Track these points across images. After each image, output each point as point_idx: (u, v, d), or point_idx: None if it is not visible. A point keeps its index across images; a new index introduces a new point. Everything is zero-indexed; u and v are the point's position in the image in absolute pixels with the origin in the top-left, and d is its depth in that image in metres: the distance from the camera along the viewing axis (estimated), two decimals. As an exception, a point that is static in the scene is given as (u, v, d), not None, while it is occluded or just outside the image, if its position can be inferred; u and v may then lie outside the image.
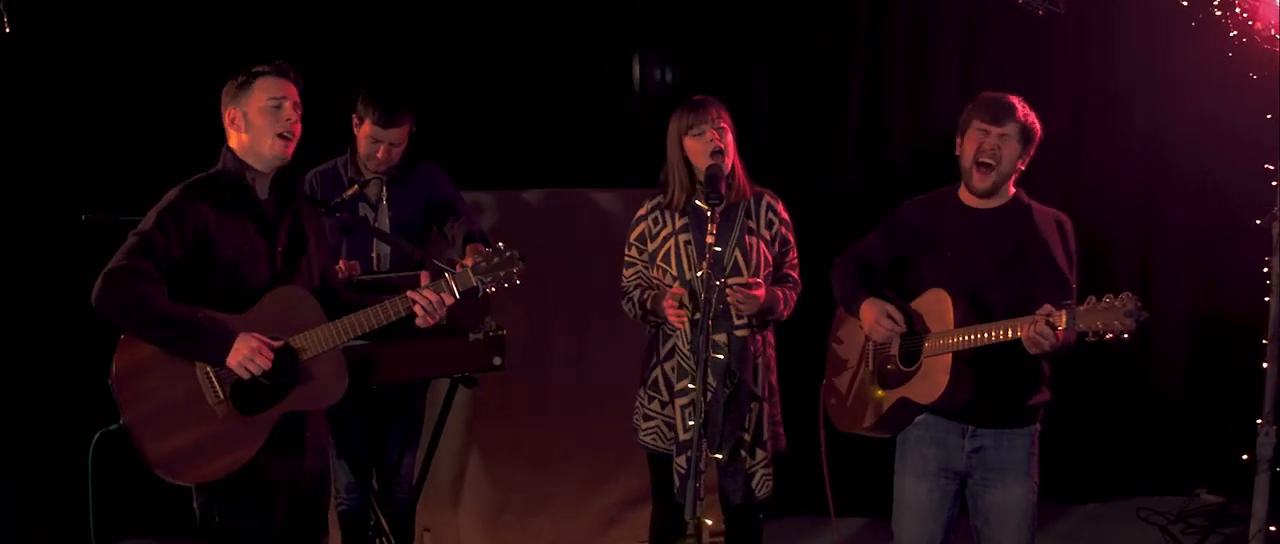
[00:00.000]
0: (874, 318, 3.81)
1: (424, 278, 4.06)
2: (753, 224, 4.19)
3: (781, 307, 4.19)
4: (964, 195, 3.84)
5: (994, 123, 3.69)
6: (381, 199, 4.57)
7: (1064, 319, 3.43)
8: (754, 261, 4.18)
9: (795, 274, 4.30)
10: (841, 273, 4.00)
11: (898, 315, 3.78)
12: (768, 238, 4.21)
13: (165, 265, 3.44)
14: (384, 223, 4.54)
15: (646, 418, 4.28)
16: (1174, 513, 5.79)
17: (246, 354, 3.45)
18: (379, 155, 4.52)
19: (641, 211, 4.29)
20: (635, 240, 4.30)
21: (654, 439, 4.26)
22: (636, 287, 4.28)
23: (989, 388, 3.70)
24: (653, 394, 4.25)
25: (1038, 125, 3.76)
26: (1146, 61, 5.86)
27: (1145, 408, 6.10)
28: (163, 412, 3.45)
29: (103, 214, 4.08)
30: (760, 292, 4.08)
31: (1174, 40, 5.68)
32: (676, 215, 4.20)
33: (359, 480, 4.63)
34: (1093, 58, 5.92)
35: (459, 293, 3.68)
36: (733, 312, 4.06)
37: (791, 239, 4.28)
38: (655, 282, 4.24)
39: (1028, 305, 3.56)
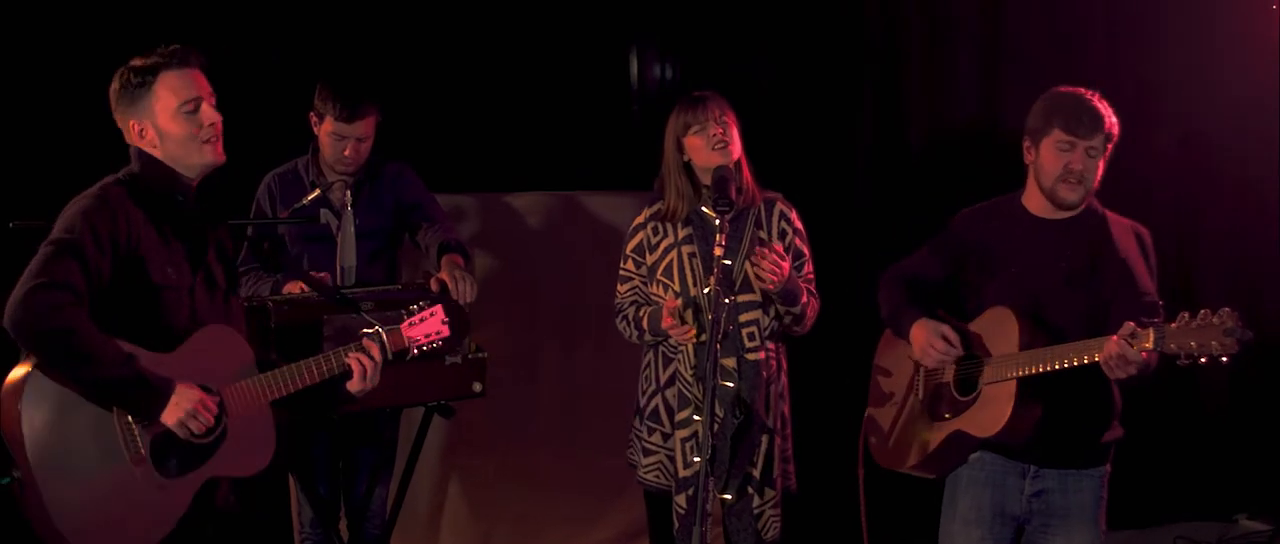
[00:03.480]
0: (925, 340, 3.45)
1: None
2: (764, 234, 3.85)
3: (804, 299, 3.83)
4: (1029, 203, 3.50)
5: (1081, 136, 3.34)
6: (346, 204, 4.21)
7: (1151, 338, 3.07)
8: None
9: (812, 288, 3.94)
10: (889, 290, 3.65)
11: (954, 337, 3.43)
12: (780, 249, 3.84)
13: (96, 284, 2.89)
14: (349, 229, 4.18)
15: (647, 453, 3.91)
16: (1213, 541, 5.51)
17: (188, 409, 2.93)
18: (347, 153, 4.19)
19: (639, 219, 3.94)
20: (632, 252, 3.94)
21: (657, 477, 3.90)
22: (632, 303, 3.93)
23: (1056, 421, 3.36)
24: (653, 426, 3.88)
25: (1118, 126, 3.42)
26: (1186, 48, 5.53)
27: (1184, 426, 5.78)
28: (68, 467, 2.91)
29: (34, 221, 3.55)
30: (786, 264, 3.73)
31: (1217, 25, 5.38)
32: (679, 225, 3.85)
33: (322, 516, 4.27)
34: (1125, 47, 5.59)
35: (388, 355, 3.26)
36: (755, 280, 3.73)
37: (806, 251, 3.93)
38: (654, 297, 3.88)
39: (1103, 326, 3.22)
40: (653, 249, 3.87)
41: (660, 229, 3.86)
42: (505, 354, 4.99)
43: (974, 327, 3.45)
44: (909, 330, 3.50)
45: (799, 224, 3.92)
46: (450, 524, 5.23)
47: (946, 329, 3.42)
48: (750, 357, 3.77)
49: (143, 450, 2.96)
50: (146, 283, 2.99)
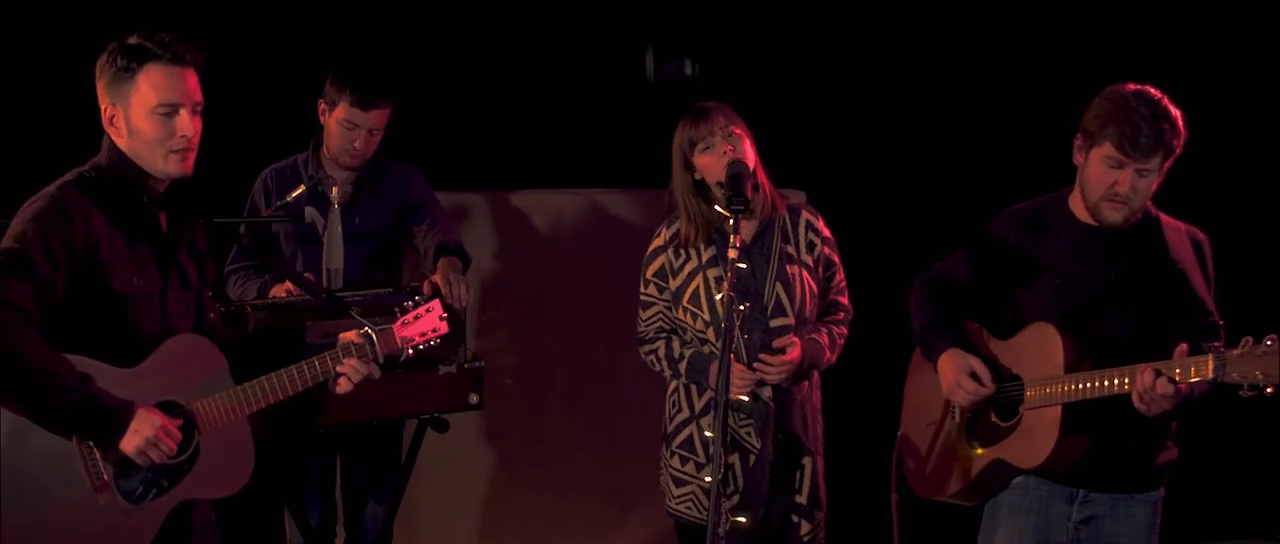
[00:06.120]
0: (953, 377, 3.23)
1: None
2: (792, 249, 3.62)
3: (828, 355, 3.65)
4: (1076, 207, 3.24)
5: (1133, 156, 3.04)
6: (333, 202, 4.04)
7: (1212, 366, 2.81)
8: (799, 297, 3.60)
9: (844, 299, 3.73)
10: (921, 302, 3.42)
11: (985, 374, 3.19)
12: (810, 263, 3.64)
13: (48, 299, 2.70)
14: (336, 229, 4.02)
15: (679, 483, 3.68)
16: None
17: (149, 436, 2.74)
18: (357, 144, 4.05)
19: (659, 241, 3.70)
20: (653, 277, 3.70)
21: (690, 508, 3.68)
22: (660, 334, 3.71)
23: (1107, 443, 3.12)
24: (686, 455, 3.66)
25: (1183, 135, 3.09)
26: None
27: (1229, 439, 5.33)
28: (24, 497, 2.71)
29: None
30: (794, 352, 3.53)
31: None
32: (701, 247, 3.61)
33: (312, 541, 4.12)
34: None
35: (380, 358, 3.06)
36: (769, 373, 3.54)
37: (836, 260, 3.71)
38: (679, 323, 3.68)
39: (1157, 345, 2.97)
40: (676, 273, 3.65)
41: (682, 252, 3.65)
42: (514, 360, 4.98)
43: (1014, 342, 3.22)
44: (938, 360, 3.28)
45: (827, 231, 3.71)
46: (458, 538, 5.11)
47: (976, 364, 3.20)
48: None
49: (105, 476, 2.78)
50: (107, 293, 2.79)
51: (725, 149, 3.51)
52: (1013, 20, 5.31)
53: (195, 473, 2.87)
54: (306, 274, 3.87)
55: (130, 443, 2.73)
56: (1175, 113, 3.05)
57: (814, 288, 3.63)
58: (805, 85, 5.27)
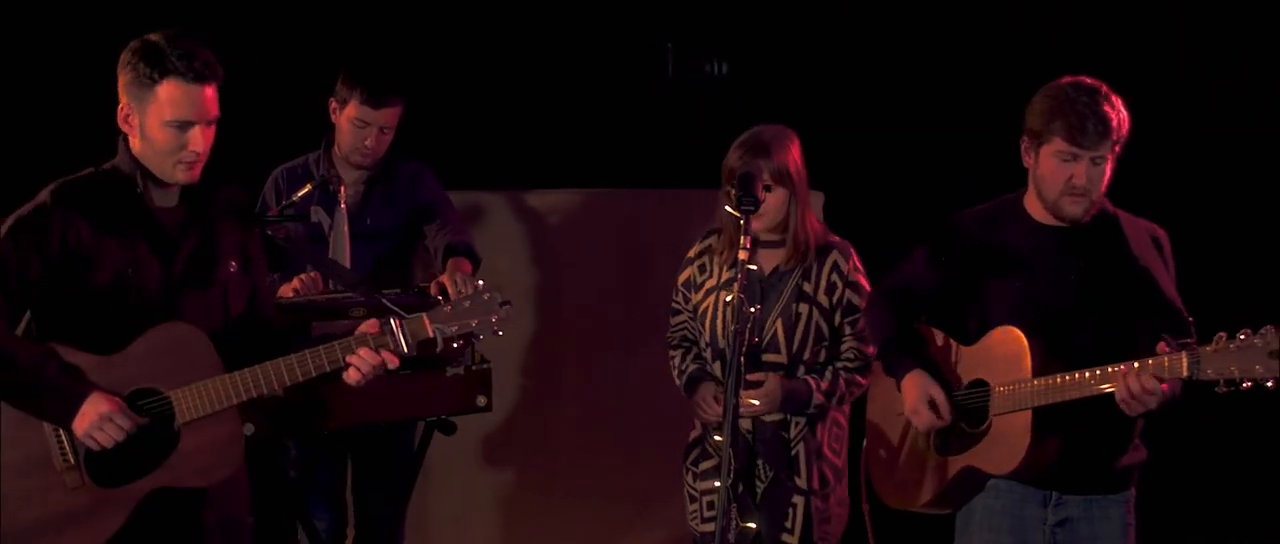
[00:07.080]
0: (914, 402, 3.23)
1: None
2: (809, 287, 3.56)
3: (819, 397, 3.54)
4: (1032, 206, 3.22)
5: (1085, 146, 3.04)
6: (340, 202, 4.04)
7: (1185, 364, 2.80)
8: (799, 336, 3.54)
9: (868, 349, 3.59)
10: (878, 316, 3.41)
11: (944, 407, 3.18)
12: (825, 304, 3.57)
13: (16, 288, 2.86)
14: (342, 229, 4.01)
15: (691, 498, 3.71)
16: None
17: (94, 421, 2.82)
18: (368, 143, 4.04)
19: (691, 253, 3.73)
20: (682, 286, 3.73)
21: (698, 522, 3.72)
22: (681, 341, 3.74)
23: (1077, 446, 3.11)
24: (696, 471, 3.69)
25: (1128, 122, 3.10)
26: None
27: (1235, 448, 5.25)
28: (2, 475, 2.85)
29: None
30: (766, 387, 3.49)
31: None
32: (724, 266, 3.61)
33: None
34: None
35: (408, 349, 3.00)
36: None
37: (862, 303, 3.59)
38: (696, 337, 3.70)
39: (1125, 345, 2.97)
40: (697, 287, 3.67)
41: (707, 267, 3.66)
42: (528, 362, 5.00)
43: (979, 347, 3.19)
44: (902, 380, 3.26)
45: (855, 275, 3.61)
46: (468, 541, 5.11)
47: (937, 393, 3.18)
48: (768, 418, 3.53)
49: (70, 457, 2.87)
50: (89, 284, 2.88)
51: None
52: (1032, 22, 5.27)
53: (171, 461, 2.90)
54: (313, 274, 3.86)
55: (80, 425, 2.82)
56: (1116, 98, 3.06)
57: (822, 330, 3.56)
58: (827, 84, 5.21)
